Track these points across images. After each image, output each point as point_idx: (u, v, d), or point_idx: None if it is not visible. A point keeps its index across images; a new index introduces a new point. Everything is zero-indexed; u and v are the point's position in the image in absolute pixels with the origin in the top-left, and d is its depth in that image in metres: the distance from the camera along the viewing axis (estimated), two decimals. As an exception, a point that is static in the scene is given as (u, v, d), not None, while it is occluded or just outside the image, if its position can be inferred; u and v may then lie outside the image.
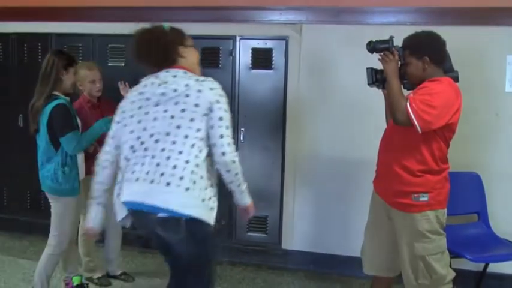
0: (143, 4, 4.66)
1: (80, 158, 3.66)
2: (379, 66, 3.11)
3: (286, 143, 4.47)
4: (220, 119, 2.58)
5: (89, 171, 3.81)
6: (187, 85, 2.62)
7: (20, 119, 4.94)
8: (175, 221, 2.51)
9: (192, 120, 2.57)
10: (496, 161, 4.09)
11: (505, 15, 3.97)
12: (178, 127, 2.57)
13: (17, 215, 5.22)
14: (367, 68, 3.19)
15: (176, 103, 2.59)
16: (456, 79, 3.04)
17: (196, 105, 2.57)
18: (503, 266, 3.96)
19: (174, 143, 2.55)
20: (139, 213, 2.60)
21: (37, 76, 3.56)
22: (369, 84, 3.21)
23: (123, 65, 4.77)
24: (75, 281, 3.90)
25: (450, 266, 3.15)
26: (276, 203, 4.57)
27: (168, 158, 2.53)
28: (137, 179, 2.57)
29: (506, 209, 4.07)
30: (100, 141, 3.79)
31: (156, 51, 2.70)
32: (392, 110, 2.96)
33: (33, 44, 4.98)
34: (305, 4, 4.37)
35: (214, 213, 2.59)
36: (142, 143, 2.62)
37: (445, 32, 3.06)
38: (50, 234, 3.62)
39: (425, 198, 2.97)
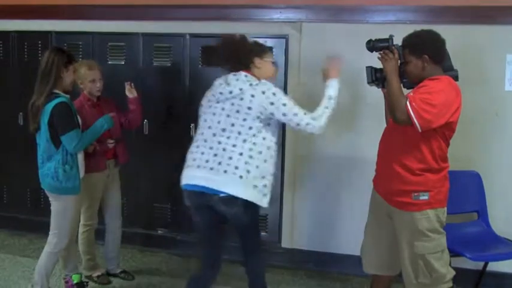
0: (143, 2, 4.67)
1: (80, 156, 3.66)
2: (378, 65, 3.12)
3: (286, 142, 4.47)
4: (284, 114, 3.01)
5: (89, 169, 3.83)
6: (241, 89, 3.01)
7: (20, 117, 4.94)
8: (233, 199, 2.95)
9: (244, 120, 2.98)
10: (495, 160, 4.09)
11: (505, 13, 3.97)
12: (233, 125, 2.99)
13: (16, 213, 5.22)
14: (367, 67, 3.20)
15: (232, 104, 3.01)
16: (456, 78, 3.04)
17: (249, 108, 2.98)
18: (503, 264, 3.97)
19: (228, 138, 2.99)
20: (201, 193, 3.01)
21: (37, 74, 3.55)
22: (368, 83, 3.22)
23: (123, 63, 4.77)
24: (75, 279, 3.90)
25: (450, 265, 3.15)
26: (276, 202, 4.56)
27: (224, 149, 2.98)
28: (198, 166, 3.02)
29: (506, 207, 4.07)
30: (99, 140, 3.81)
31: (232, 54, 3.15)
32: (392, 109, 2.96)
33: (33, 42, 4.98)
34: (305, 2, 4.37)
35: (266, 198, 3.02)
36: (202, 133, 3.10)
37: (444, 30, 3.07)
38: (50, 232, 3.63)
39: (426, 197, 2.98)
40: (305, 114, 3.03)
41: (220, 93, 3.06)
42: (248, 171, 2.93)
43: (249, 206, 2.99)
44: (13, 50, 5.06)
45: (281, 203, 4.56)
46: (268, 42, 4.40)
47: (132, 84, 4.07)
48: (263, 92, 2.98)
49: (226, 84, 3.05)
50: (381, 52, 3.07)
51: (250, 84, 3.02)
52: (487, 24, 3.98)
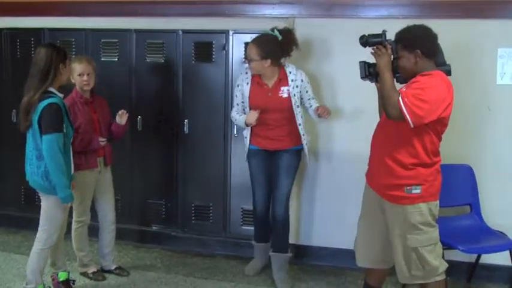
0: (136, -1, 4.67)
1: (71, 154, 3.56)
2: (372, 59, 3.13)
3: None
4: None
5: (81, 167, 3.82)
6: None
7: (13, 114, 4.92)
8: None
9: None
10: (487, 153, 4.12)
11: (497, 8, 3.99)
12: None
13: (11, 210, 5.21)
14: (360, 62, 3.20)
15: None
16: (448, 72, 3.06)
17: None
18: (495, 257, 3.99)
19: None
20: None
21: (30, 71, 3.49)
22: (362, 77, 3.22)
23: (116, 59, 4.76)
24: (61, 276, 3.87)
25: (443, 258, 3.18)
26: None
27: None
28: None
29: (498, 200, 4.10)
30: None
31: None
32: (384, 104, 2.98)
33: (26, 39, 4.96)
34: (298, -2, 4.38)
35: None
36: None
37: (437, 25, 3.09)
38: (39, 229, 3.58)
39: (418, 191, 3.00)
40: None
41: None
42: None
43: None
44: (5, 47, 5.03)
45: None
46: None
47: (126, 113, 4.04)
48: None
49: None
50: (374, 47, 3.09)
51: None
52: (478, 18, 4.00)
